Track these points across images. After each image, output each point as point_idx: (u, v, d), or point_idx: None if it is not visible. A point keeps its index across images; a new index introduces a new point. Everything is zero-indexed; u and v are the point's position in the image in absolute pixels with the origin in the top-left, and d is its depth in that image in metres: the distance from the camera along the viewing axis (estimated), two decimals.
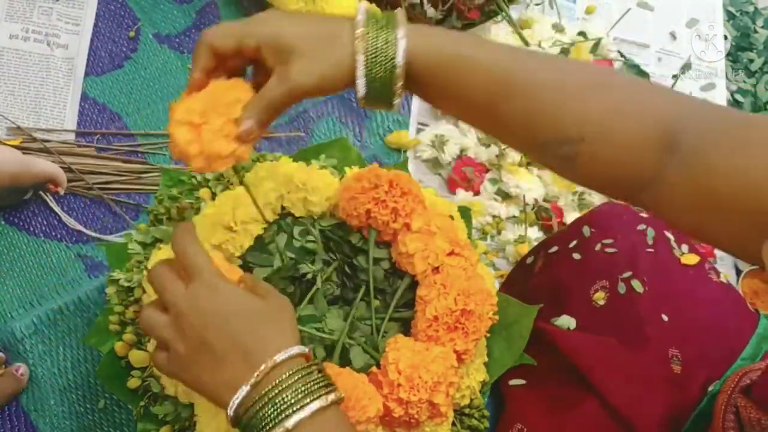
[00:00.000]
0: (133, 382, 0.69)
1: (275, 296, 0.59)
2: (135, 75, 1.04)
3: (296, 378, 0.54)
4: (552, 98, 0.56)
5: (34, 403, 0.84)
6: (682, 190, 0.53)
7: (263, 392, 0.53)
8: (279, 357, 0.54)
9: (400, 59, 0.56)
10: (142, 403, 0.69)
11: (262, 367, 0.53)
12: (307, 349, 0.56)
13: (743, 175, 0.49)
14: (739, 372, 0.70)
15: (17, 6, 1.01)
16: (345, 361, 0.70)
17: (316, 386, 0.54)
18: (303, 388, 0.53)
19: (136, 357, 0.69)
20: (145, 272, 0.71)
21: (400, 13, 0.57)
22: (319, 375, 0.55)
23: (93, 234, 0.92)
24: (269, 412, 0.53)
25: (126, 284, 0.72)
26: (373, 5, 0.59)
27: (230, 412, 0.54)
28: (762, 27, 1.33)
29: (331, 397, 0.54)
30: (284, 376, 0.53)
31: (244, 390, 0.53)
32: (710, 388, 0.72)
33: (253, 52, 0.56)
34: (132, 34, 1.05)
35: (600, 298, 0.79)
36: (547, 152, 0.58)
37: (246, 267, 0.70)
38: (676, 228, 0.57)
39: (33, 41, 1.00)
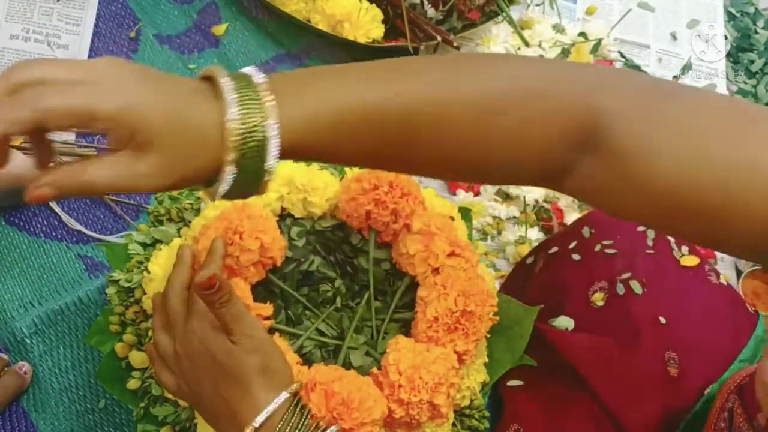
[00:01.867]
0: (133, 383, 0.69)
1: (259, 341, 0.59)
2: None
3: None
4: (457, 138, 0.48)
5: (34, 402, 0.84)
6: (600, 177, 0.48)
7: None
8: (258, 420, 0.56)
9: (272, 162, 0.45)
10: (142, 404, 0.69)
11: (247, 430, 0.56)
12: (287, 394, 0.58)
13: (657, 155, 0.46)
14: (737, 375, 0.70)
15: (18, 6, 1.01)
16: (345, 364, 0.70)
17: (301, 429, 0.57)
18: None
19: (137, 358, 0.69)
20: (145, 273, 0.71)
21: (261, 85, 0.45)
22: (303, 420, 0.58)
23: (93, 234, 0.92)
24: None
25: (126, 285, 0.72)
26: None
27: None
28: (763, 28, 1.33)
29: None
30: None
31: None
32: (707, 391, 0.72)
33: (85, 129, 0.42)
34: (132, 34, 1.05)
35: (599, 299, 0.79)
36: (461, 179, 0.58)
37: None
38: (605, 212, 0.54)
39: (33, 42, 1.00)
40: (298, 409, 0.58)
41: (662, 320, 0.75)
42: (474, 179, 0.56)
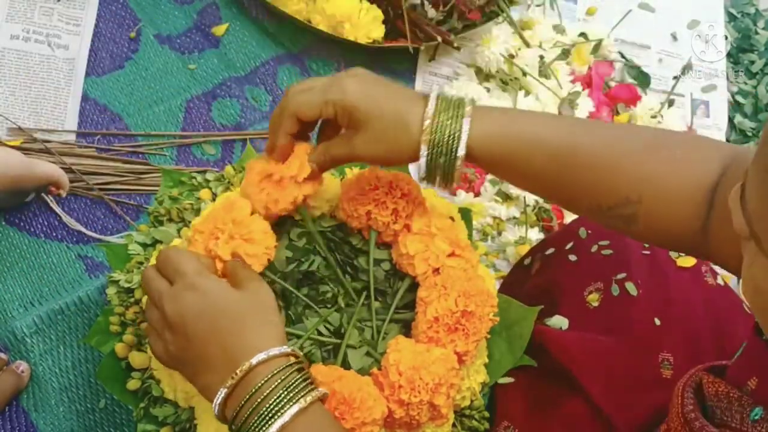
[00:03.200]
0: (133, 384, 0.69)
1: (257, 289, 0.61)
2: (136, 76, 1.04)
3: (276, 383, 0.55)
4: (610, 165, 0.61)
5: (34, 402, 0.84)
6: (722, 237, 0.57)
7: (245, 397, 0.55)
8: (255, 359, 0.55)
9: (461, 151, 0.61)
10: (142, 405, 0.69)
11: (238, 371, 0.55)
12: (288, 348, 0.57)
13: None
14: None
15: (18, 7, 1.01)
16: (345, 363, 0.70)
17: (295, 389, 0.55)
18: (283, 393, 0.55)
19: (137, 359, 0.69)
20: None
21: (468, 102, 0.63)
22: (299, 376, 0.56)
23: (93, 235, 0.92)
24: (253, 420, 0.54)
25: (126, 285, 0.72)
26: (443, 95, 0.64)
27: (215, 412, 0.56)
28: (763, 28, 1.33)
29: (309, 398, 0.55)
30: (263, 382, 0.55)
31: (222, 392, 0.56)
32: None
33: (329, 116, 0.64)
34: (133, 34, 1.05)
35: (594, 299, 0.79)
36: (611, 215, 0.62)
37: None
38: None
39: (34, 42, 1.00)
40: (295, 369, 0.57)
41: (657, 321, 0.75)
42: (620, 220, 0.63)
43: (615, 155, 0.61)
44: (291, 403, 0.54)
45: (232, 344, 0.56)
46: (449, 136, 0.61)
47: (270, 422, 0.54)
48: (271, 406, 0.54)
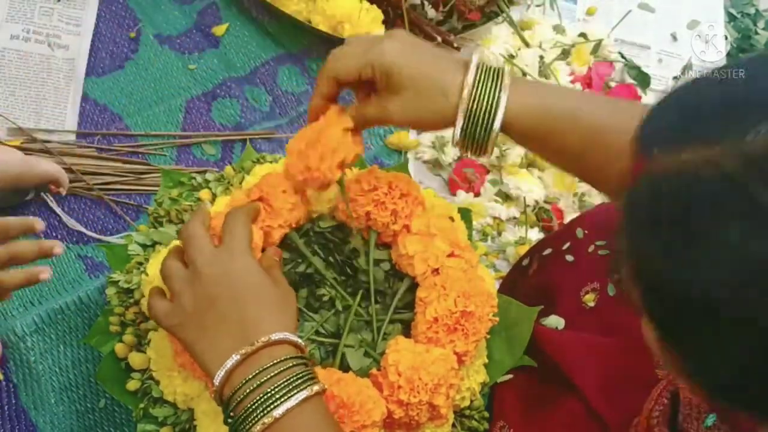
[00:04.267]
0: (133, 384, 0.69)
1: (285, 286, 0.62)
2: (136, 76, 1.04)
3: (288, 366, 0.56)
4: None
5: (33, 401, 0.84)
6: None
7: (253, 374, 0.55)
8: (275, 336, 0.56)
9: (497, 123, 0.61)
10: (141, 405, 0.69)
11: (258, 341, 0.56)
12: (302, 342, 0.58)
13: None
14: None
15: (18, 7, 1.01)
16: (343, 363, 0.70)
17: (305, 377, 0.56)
18: (293, 379, 0.55)
19: (136, 359, 0.69)
20: (143, 275, 0.71)
21: (507, 73, 0.63)
22: (306, 369, 0.57)
23: (93, 235, 0.93)
24: (257, 398, 0.54)
25: (126, 285, 0.72)
26: (482, 57, 0.65)
27: (216, 381, 0.56)
28: (763, 29, 1.33)
29: (317, 388, 0.56)
30: (276, 361, 0.56)
31: (233, 359, 0.56)
32: None
33: (368, 77, 0.63)
34: (133, 34, 1.06)
35: (590, 299, 0.79)
36: None
37: None
38: None
39: (34, 42, 1.00)
40: (303, 362, 0.57)
41: None
42: None
43: None
44: (299, 390, 0.55)
45: (254, 317, 0.57)
46: (487, 108, 0.61)
47: (276, 404, 0.54)
48: (279, 388, 0.55)
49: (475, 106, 0.61)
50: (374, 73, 0.63)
